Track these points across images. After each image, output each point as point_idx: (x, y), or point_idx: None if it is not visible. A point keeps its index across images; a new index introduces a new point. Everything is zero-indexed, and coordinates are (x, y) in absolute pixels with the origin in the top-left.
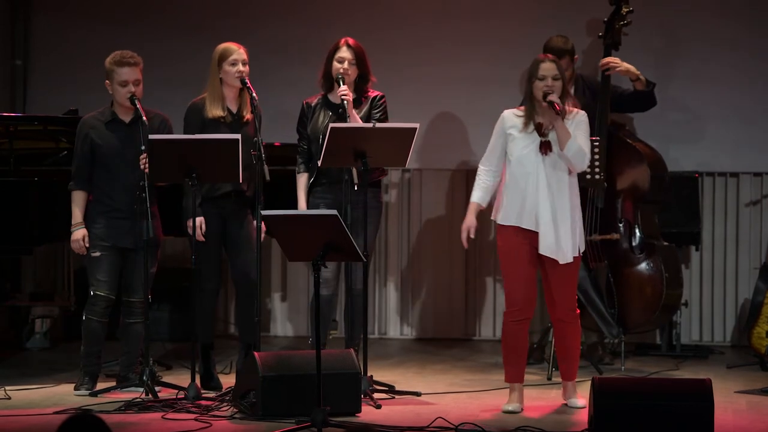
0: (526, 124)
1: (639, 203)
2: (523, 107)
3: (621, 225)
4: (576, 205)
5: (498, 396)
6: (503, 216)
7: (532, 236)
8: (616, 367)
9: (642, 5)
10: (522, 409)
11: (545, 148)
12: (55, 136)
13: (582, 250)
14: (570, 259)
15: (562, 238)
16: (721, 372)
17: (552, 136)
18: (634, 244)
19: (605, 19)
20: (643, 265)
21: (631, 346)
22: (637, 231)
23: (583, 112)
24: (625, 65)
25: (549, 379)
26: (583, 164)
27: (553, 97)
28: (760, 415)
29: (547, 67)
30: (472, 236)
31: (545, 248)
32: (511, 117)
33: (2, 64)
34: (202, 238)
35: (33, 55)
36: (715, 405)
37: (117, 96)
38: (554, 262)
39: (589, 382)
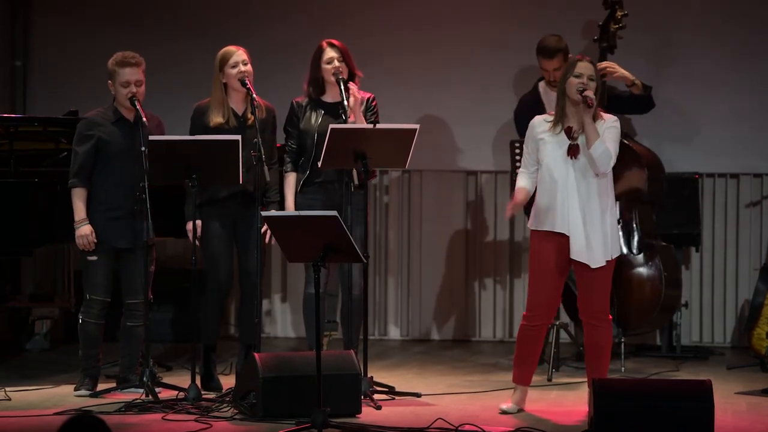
0: (555, 125)
1: (637, 204)
2: (553, 113)
3: (619, 226)
4: (607, 209)
5: (498, 397)
6: (536, 221)
7: (564, 242)
8: (616, 368)
9: (639, 7)
10: (520, 410)
11: (574, 151)
12: (55, 137)
13: (615, 255)
14: (602, 263)
15: (592, 242)
16: (721, 373)
17: (581, 140)
18: (632, 244)
19: (600, 23)
20: (642, 266)
21: (631, 347)
22: (635, 231)
23: (614, 117)
24: (621, 71)
25: (549, 379)
26: (607, 167)
27: (589, 93)
28: (760, 416)
29: (584, 66)
30: (514, 213)
31: (576, 252)
32: (541, 122)
33: (2, 64)
34: (192, 241)
35: (33, 56)
36: (715, 406)
37: (119, 96)
38: (585, 266)
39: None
